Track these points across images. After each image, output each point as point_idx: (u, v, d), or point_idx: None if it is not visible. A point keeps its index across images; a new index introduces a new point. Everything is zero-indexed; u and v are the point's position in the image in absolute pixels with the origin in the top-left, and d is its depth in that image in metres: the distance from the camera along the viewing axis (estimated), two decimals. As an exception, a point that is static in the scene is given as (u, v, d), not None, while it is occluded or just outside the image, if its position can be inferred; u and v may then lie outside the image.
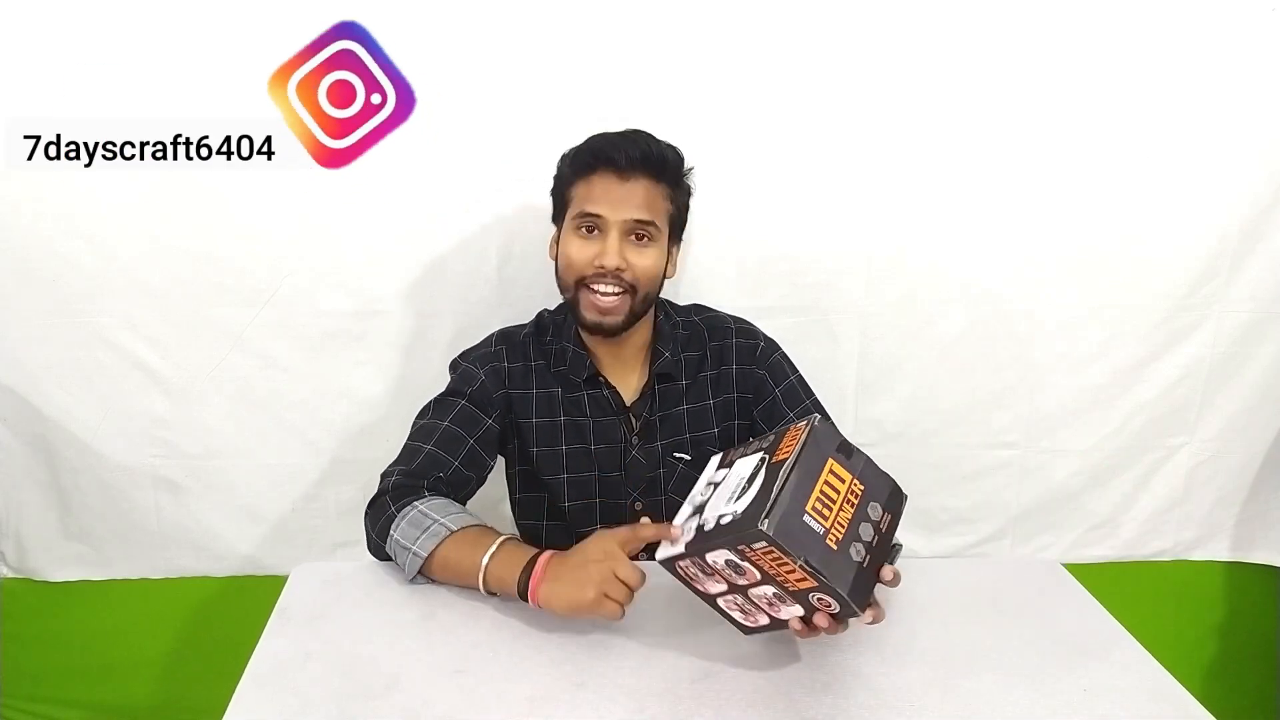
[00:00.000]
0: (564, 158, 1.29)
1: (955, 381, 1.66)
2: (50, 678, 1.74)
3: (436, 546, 1.10)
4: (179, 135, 1.45)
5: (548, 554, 1.04)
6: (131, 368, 1.56)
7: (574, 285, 1.25)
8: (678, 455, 1.33)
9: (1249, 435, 1.73)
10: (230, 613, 1.69)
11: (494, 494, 1.66)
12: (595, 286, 1.23)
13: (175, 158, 1.46)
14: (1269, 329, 1.66)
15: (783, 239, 1.57)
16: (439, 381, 1.59)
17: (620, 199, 1.21)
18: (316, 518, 1.66)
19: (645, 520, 1.02)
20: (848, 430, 1.67)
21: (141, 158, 1.46)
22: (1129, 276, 1.62)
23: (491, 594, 1.08)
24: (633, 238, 1.23)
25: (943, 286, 1.61)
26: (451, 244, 1.55)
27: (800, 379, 1.37)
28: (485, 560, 1.06)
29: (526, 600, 1.03)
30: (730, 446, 1.02)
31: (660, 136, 1.26)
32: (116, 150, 1.45)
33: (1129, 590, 1.73)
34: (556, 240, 1.31)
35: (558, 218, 1.31)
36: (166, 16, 1.41)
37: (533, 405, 1.32)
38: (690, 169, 1.28)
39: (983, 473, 1.72)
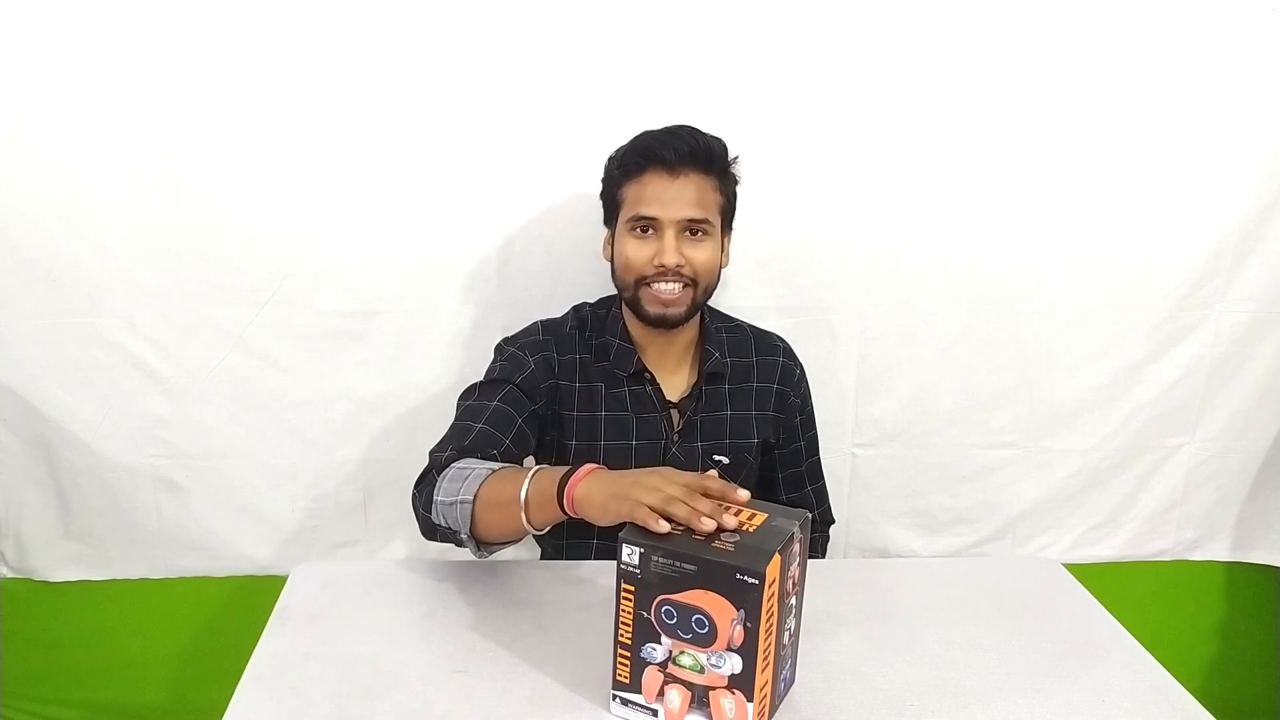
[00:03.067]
0: (611, 159, 1.30)
1: (955, 381, 1.66)
2: (50, 678, 1.74)
3: (479, 487, 1.06)
4: (179, 135, 1.45)
5: (596, 464, 1.00)
6: (131, 368, 1.56)
7: (633, 284, 1.27)
8: (716, 457, 1.34)
9: (1249, 435, 1.73)
10: (230, 613, 1.69)
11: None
12: (655, 283, 1.25)
13: (175, 158, 1.46)
14: (1269, 329, 1.66)
15: (783, 238, 1.57)
16: (439, 381, 1.60)
17: (673, 197, 1.23)
18: (316, 518, 1.66)
19: (714, 473, 0.95)
20: (848, 430, 1.67)
21: (142, 158, 1.46)
22: (1129, 276, 1.62)
23: (531, 527, 1.03)
24: (687, 234, 1.25)
25: (943, 286, 1.61)
26: (451, 244, 1.55)
27: (813, 409, 1.47)
28: (528, 479, 1.02)
29: (562, 508, 0.98)
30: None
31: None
32: (116, 150, 1.45)
33: (1129, 590, 1.73)
34: (609, 242, 1.32)
35: (609, 220, 1.32)
36: (168, 17, 1.41)
37: (575, 398, 1.32)
38: (735, 157, 1.29)
39: (983, 473, 1.72)
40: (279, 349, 1.56)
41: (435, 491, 1.11)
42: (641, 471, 0.95)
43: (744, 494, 0.90)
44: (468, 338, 1.58)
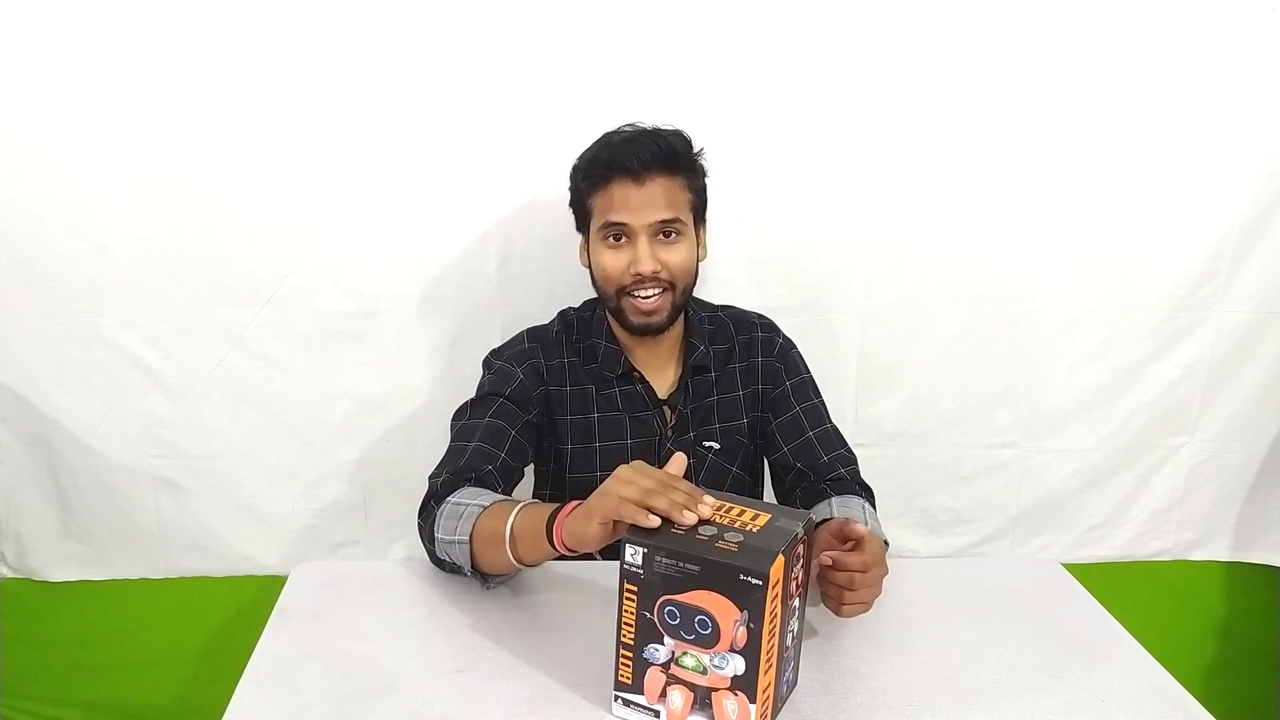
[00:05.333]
0: (576, 170, 1.28)
1: (955, 381, 1.66)
2: (50, 678, 1.74)
3: (473, 526, 1.07)
4: (179, 135, 1.45)
5: (575, 501, 1.00)
6: (131, 368, 1.56)
7: (615, 294, 1.27)
8: (707, 444, 1.35)
9: (1249, 435, 1.73)
10: (230, 613, 1.69)
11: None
12: (636, 292, 1.25)
13: (175, 158, 1.46)
14: (1269, 329, 1.66)
15: (783, 238, 1.57)
16: (438, 381, 1.60)
17: (641, 204, 1.22)
18: (316, 518, 1.66)
19: (680, 459, 0.95)
20: (848, 430, 1.66)
21: (142, 158, 1.46)
22: (1129, 276, 1.62)
23: (519, 561, 1.03)
24: (661, 237, 1.24)
25: (943, 286, 1.61)
26: (451, 244, 1.55)
27: (812, 380, 1.40)
28: (513, 515, 1.03)
29: (552, 543, 0.98)
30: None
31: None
32: (116, 150, 1.45)
33: (1129, 590, 1.73)
34: (585, 249, 1.31)
35: (582, 227, 1.31)
36: (168, 17, 1.41)
37: (567, 403, 1.33)
38: (700, 150, 1.27)
39: (983, 473, 1.72)
40: (279, 349, 1.57)
41: (435, 528, 1.12)
42: (608, 484, 0.93)
43: (708, 505, 0.89)
44: (468, 338, 1.58)
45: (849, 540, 1.04)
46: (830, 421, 1.38)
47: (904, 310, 1.62)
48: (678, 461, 0.95)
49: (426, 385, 1.60)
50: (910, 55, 1.50)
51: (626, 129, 1.25)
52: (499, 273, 1.56)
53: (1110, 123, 1.54)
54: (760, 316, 1.43)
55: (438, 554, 1.14)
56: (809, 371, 1.41)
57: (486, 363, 1.35)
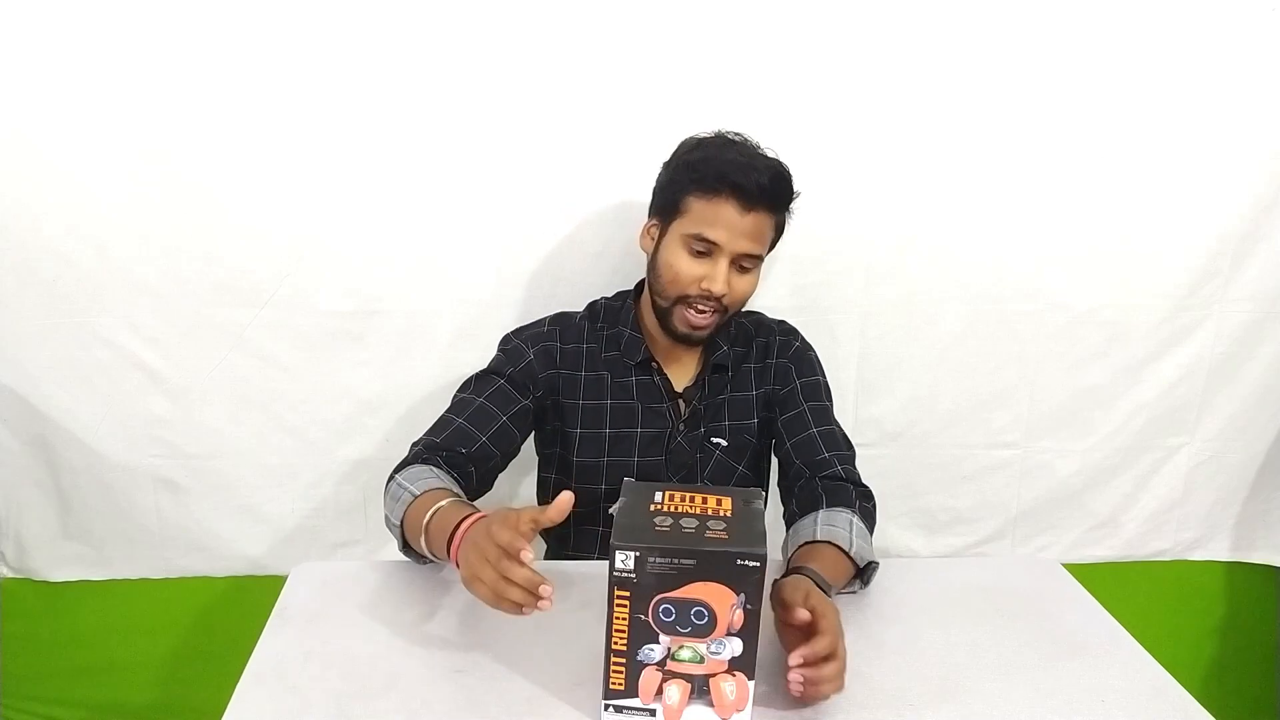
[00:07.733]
0: (685, 164, 1.24)
1: (955, 381, 1.67)
2: (50, 678, 1.74)
3: (404, 514, 1.10)
4: (179, 135, 1.45)
5: (472, 518, 0.98)
6: (131, 368, 1.56)
7: (674, 297, 1.27)
8: (715, 440, 1.35)
9: (1249, 435, 1.73)
10: (230, 613, 1.69)
11: (505, 493, 1.66)
12: (696, 304, 1.26)
13: (175, 158, 1.46)
14: (1269, 329, 1.66)
15: (783, 239, 1.57)
16: (439, 381, 1.60)
17: (740, 231, 1.22)
18: (316, 518, 1.66)
19: (566, 495, 0.90)
20: (848, 430, 1.67)
21: (142, 158, 1.46)
22: (1129, 276, 1.62)
23: (438, 558, 1.04)
24: (738, 266, 1.25)
25: (943, 286, 1.61)
26: (451, 244, 1.55)
27: (825, 384, 1.40)
28: (428, 516, 1.04)
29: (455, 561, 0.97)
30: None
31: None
32: (116, 150, 1.45)
33: (1129, 590, 1.73)
34: (653, 236, 1.30)
35: (660, 214, 1.28)
36: (168, 17, 1.41)
37: (580, 387, 1.34)
38: (798, 194, 1.27)
39: (983, 473, 1.72)
40: (279, 349, 1.56)
41: (384, 500, 1.16)
42: (468, 547, 0.93)
43: (548, 591, 0.88)
44: (468, 338, 1.58)
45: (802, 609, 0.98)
46: (836, 424, 1.37)
47: (904, 310, 1.62)
48: (562, 501, 0.89)
49: (427, 385, 1.60)
50: (910, 55, 1.50)
51: (735, 137, 1.25)
52: (499, 273, 1.56)
53: (1110, 123, 1.54)
54: (781, 322, 1.44)
55: (386, 523, 1.16)
56: (824, 375, 1.41)
57: (504, 339, 1.37)
